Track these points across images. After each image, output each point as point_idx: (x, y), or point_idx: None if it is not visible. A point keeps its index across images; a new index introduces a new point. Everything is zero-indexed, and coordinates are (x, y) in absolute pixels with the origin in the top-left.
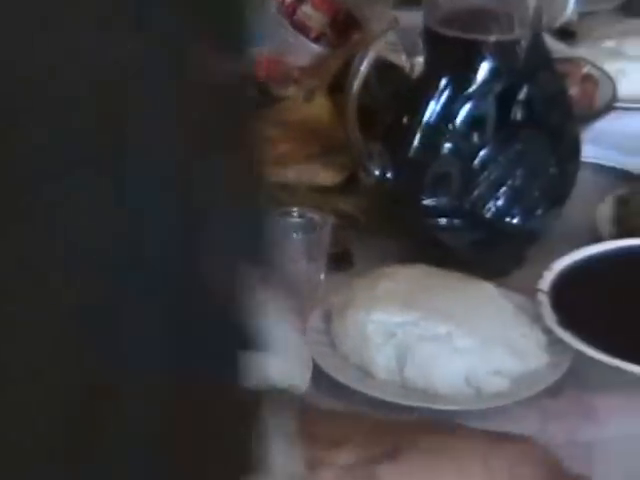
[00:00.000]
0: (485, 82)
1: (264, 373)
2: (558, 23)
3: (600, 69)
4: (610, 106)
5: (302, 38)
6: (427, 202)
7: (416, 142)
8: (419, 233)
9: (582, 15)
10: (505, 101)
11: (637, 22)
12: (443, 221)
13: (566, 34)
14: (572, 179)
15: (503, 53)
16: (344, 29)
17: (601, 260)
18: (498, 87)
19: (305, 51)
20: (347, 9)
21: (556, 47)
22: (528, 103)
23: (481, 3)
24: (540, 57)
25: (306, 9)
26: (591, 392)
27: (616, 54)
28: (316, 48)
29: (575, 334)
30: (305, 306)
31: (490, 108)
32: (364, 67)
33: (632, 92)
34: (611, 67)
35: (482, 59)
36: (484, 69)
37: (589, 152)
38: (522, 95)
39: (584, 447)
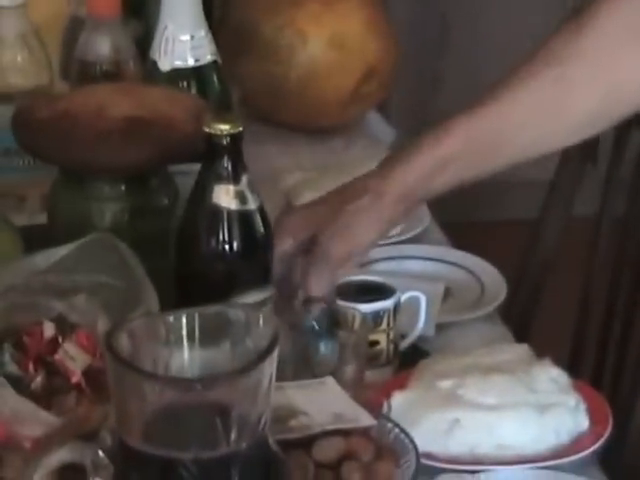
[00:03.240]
0: None
1: None
2: (409, 341)
3: (406, 434)
4: None
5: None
6: None
7: None
8: None
9: (443, 326)
10: None
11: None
12: None
13: (419, 353)
14: None
15: (206, 473)
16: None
17: None
18: None
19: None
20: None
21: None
22: None
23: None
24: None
25: (69, 347)
26: None
27: (451, 398)
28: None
29: None
30: None
31: None
32: None
33: (465, 449)
34: (443, 416)
35: None
36: None
37: None
38: None
39: None
